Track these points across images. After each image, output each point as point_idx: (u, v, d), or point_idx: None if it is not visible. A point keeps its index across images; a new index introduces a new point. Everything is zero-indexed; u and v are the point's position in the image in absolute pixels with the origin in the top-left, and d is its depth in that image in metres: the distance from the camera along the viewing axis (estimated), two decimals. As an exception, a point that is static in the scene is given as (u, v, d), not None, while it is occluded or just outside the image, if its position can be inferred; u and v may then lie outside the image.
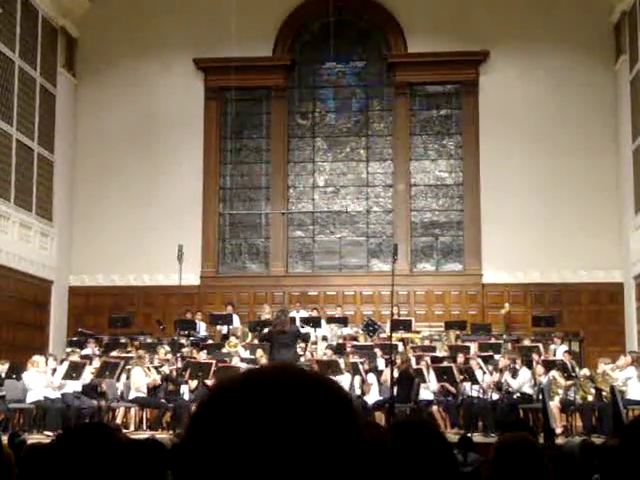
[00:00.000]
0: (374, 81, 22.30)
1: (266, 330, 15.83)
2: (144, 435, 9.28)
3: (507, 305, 20.03)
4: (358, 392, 15.12)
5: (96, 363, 15.15)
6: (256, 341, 17.55)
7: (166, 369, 15.46)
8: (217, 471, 0.93)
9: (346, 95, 22.40)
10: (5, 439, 8.86)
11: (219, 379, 1.06)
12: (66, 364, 14.63)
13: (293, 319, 17.41)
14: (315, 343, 17.53)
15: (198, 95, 21.90)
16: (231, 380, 1.00)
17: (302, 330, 16.56)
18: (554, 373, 14.58)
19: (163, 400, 14.90)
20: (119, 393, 15.03)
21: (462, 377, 14.90)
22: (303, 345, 16.62)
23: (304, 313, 19.19)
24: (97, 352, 16.78)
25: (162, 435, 11.39)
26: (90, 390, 14.74)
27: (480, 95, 21.28)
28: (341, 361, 15.17)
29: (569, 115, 20.62)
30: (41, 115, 20.17)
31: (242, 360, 15.66)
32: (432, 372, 14.97)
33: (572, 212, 20.29)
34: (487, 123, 21.02)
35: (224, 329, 18.80)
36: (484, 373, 15.10)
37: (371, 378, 15.35)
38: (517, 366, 14.87)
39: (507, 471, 2.80)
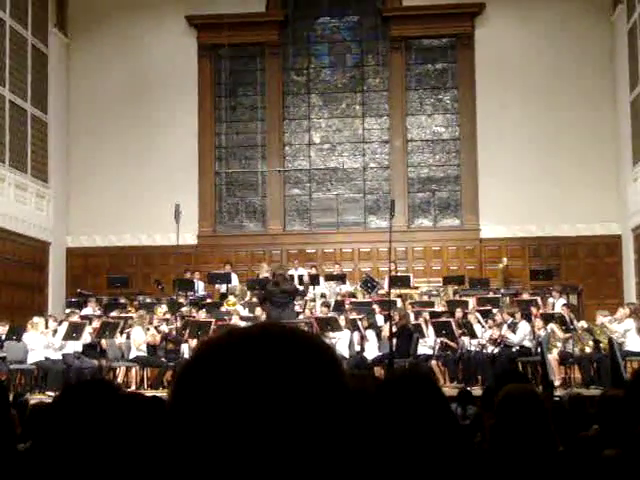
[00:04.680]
0: (369, 36, 22.08)
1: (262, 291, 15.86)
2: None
3: (505, 259, 20.06)
4: (357, 348, 15.20)
5: (96, 323, 15.19)
6: (255, 299, 17.60)
7: (165, 328, 15.52)
8: (202, 429, 0.95)
9: (341, 50, 22.21)
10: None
11: (202, 339, 1.06)
12: (66, 325, 14.67)
13: (291, 277, 17.45)
14: (314, 300, 17.57)
15: (191, 53, 21.71)
16: (213, 339, 1.02)
17: (300, 288, 16.61)
18: (552, 326, 14.63)
19: (163, 359, 14.98)
20: (120, 353, 15.10)
21: (461, 332, 14.95)
22: (302, 302, 16.67)
23: (302, 271, 19.20)
24: (97, 312, 16.82)
25: (163, 394, 11.46)
26: (91, 350, 14.80)
27: (476, 48, 21.11)
28: (340, 318, 15.22)
29: (566, 66, 20.46)
30: (33, 75, 19.99)
31: (241, 318, 15.70)
32: (431, 327, 15.02)
33: (569, 164, 20.22)
34: (483, 76, 20.88)
35: (223, 288, 18.84)
36: (483, 327, 15.17)
37: (370, 334, 15.41)
38: (516, 320, 14.92)
39: (510, 421, 2.80)
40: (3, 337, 14.56)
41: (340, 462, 0.97)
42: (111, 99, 21.45)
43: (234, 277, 19.17)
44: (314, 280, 18.26)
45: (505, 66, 20.66)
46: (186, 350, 15.12)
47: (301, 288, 16.82)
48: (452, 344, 14.88)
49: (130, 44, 21.50)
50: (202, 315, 15.94)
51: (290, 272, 17.50)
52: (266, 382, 0.95)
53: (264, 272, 18.89)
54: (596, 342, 14.45)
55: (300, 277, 18.04)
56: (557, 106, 20.36)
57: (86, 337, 14.69)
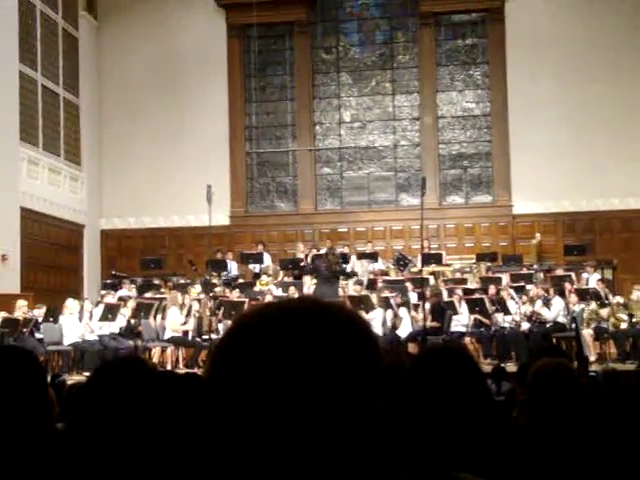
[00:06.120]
0: (398, 12, 21.89)
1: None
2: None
3: (538, 235, 19.92)
4: (390, 325, 15.20)
5: (131, 304, 15.32)
6: (287, 279, 17.66)
7: (204, 311, 15.58)
8: (238, 403, 0.95)
9: (370, 28, 22.06)
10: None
11: (239, 314, 1.07)
12: (102, 306, 14.82)
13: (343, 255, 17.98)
14: (347, 279, 17.59)
15: (220, 33, 21.68)
16: (250, 314, 1.03)
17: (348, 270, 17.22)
18: (594, 306, 14.48)
19: (198, 339, 15.08)
20: (155, 333, 15.22)
21: (494, 308, 14.89)
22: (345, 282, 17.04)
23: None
24: (131, 294, 16.96)
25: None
26: (126, 331, 14.94)
27: (506, 22, 20.86)
28: (373, 296, 15.22)
29: (597, 39, 20.16)
30: (64, 59, 20.12)
31: (275, 298, 15.75)
32: (464, 304, 14.98)
33: (602, 139, 19.97)
34: (514, 51, 20.64)
35: (256, 268, 18.89)
36: (516, 304, 15.09)
37: (403, 312, 15.39)
38: (550, 296, 14.83)
39: (544, 395, 2.80)
40: (40, 319, 14.73)
41: (375, 435, 0.98)
42: (141, 81, 21.51)
43: (267, 257, 19.22)
44: (346, 259, 18.29)
45: (536, 40, 20.40)
46: (221, 330, 15.21)
47: (349, 269, 17.31)
48: (486, 321, 14.84)
49: (159, 26, 21.51)
50: (235, 295, 16.02)
51: (322, 251, 17.63)
52: (302, 356, 0.95)
53: (299, 252, 18.96)
54: (631, 317, 14.34)
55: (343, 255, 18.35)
56: (589, 79, 20.08)
57: (121, 318, 14.84)
